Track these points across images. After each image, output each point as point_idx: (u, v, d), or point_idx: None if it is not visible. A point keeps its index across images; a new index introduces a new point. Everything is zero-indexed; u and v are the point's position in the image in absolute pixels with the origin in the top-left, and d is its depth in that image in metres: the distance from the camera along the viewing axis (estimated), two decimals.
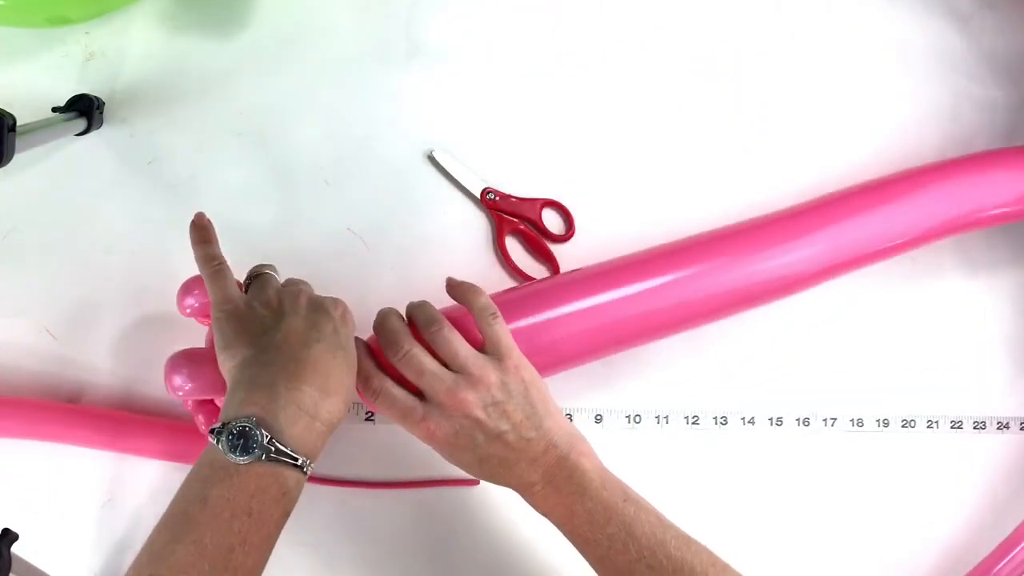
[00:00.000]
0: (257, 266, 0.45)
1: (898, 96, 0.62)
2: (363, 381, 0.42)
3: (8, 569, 0.39)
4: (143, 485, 0.51)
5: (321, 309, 0.41)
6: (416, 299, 0.55)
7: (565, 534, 0.42)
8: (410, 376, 0.42)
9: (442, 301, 0.58)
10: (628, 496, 0.41)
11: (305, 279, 0.45)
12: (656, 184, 0.59)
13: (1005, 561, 0.54)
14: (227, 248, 0.54)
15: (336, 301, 0.43)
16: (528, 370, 0.43)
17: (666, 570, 0.39)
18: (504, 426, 0.41)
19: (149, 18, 0.56)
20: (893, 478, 0.57)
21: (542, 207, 0.57)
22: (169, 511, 0.35)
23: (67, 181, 0.53)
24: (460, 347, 0.42)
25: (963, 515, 0.58)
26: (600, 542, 0.40)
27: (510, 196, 0.56)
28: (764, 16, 0.62)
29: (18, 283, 0.52)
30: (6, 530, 0.40)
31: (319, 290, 0.54)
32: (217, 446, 0.35)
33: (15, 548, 0.40)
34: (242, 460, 0.35)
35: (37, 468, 0.50)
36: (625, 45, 0.60)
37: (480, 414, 0.40)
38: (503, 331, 0.43)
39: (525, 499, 0.43)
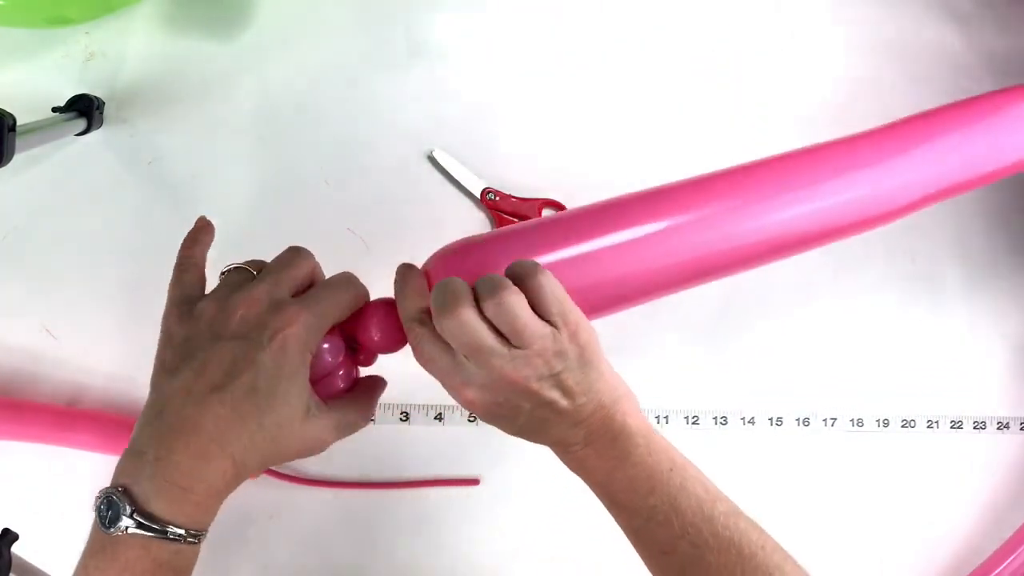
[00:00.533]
0: (230, 265, 0.39)
1: (898, 96, 0.62)
2: (406, 321, 0.38)
3: (8, 569, 0.39)
4: None
5: (253, 335, 0.34)
6: None
7: (599, 496, 0.38)
8: (463, 349, 0.35)
9: None
10: (675, 463, 0.38)
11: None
12: (656, 183, 0.59)
13: (1008, 562, 0.54)
14: (227, 249, 0.54)
15: (284, 317, 0.35)
16: (585, 330, 0.37)
17: (711, 549, 0.35)
18: (555, 394, 0.36)
19: (149, 18, 0.56)
20: (893, 478, 0.57)
21: (542, 207, 0.57)
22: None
23: (67, 181, 0.53)
24: (522, 317, 0.34)
25: (963, 515, 0.58)
26: (639, 511, 0.37)
27: (510, 196, 0.56)
28: (764, 16, 0.62)
29: (18, 283, 0.52)
30: (6, 530, 0.40)
31: None
32: (97, 511, 0.33)
33: (15, 548, 0.40)
34: (110, 531, 0.32)
35: (37, 468, 0.50)
36: (625, 45, 0.60)
37: (533, 386, 0.35)
38: (557, 291, 0.35)
39: (558, 456, 0.39)
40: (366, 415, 0.39)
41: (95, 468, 0.51)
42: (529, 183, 0.57)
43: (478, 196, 0.56)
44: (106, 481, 0.50)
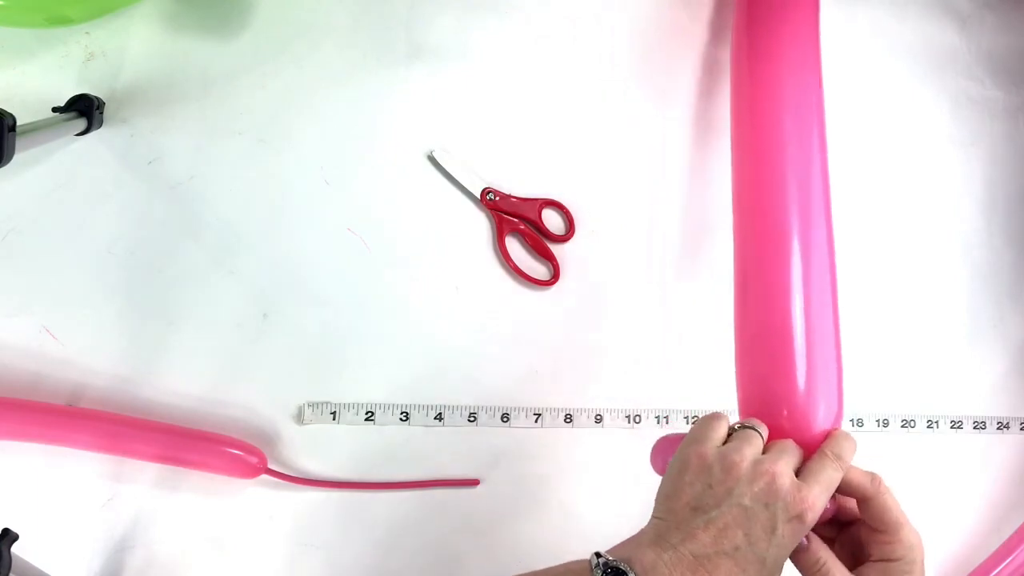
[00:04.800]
0: (750, 420, 0.43)
1: (898, 96, 0.62)
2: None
3: (8, 569, 0.39)
4: (143, 485, 0.51)
5: (768, 511, 0.37)
6: (414, 299, 0.55)
7: None
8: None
9: (434, 317, 0.58)
10: None
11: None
12: (656, 184, 0.59)
13: (1008, 562, 0.54)
14: (227, 249, 0.54)
15: (798, 502, 0.37)
16: None
17: None
18: None
19: (149, 18, 0.56)
20: (893, 478, 0.57)
21: (542, 207, 0.57)
22: None
23: (67, 181, 0.53)
24: (893, 502, 0.41)
25: (963, 515, 0.58)
26: None
27: (510, 196, 0.56)
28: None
29: (18, 283, 0.52)
30: (6, 530, 0.40)
31: (319, 293, 0.54)
32: (595, 566, 0.36)
33: (15, 548, 0.40)
34: None
35: (37, 468, 0.50)
36: (625, 45, 0.60)
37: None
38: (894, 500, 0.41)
39: None
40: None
41: (95, 468, 0.51)
42: (529, 183, 0.57)
43: (478, 196, 0.56)
44: (106, 481, 0.51)
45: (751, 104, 0.51)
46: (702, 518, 0.37)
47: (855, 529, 0.41)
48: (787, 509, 0.37)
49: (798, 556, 0.39)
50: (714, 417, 0.42)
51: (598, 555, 0.37)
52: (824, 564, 0.39)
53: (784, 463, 0.38)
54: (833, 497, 0.40)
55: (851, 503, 0.41)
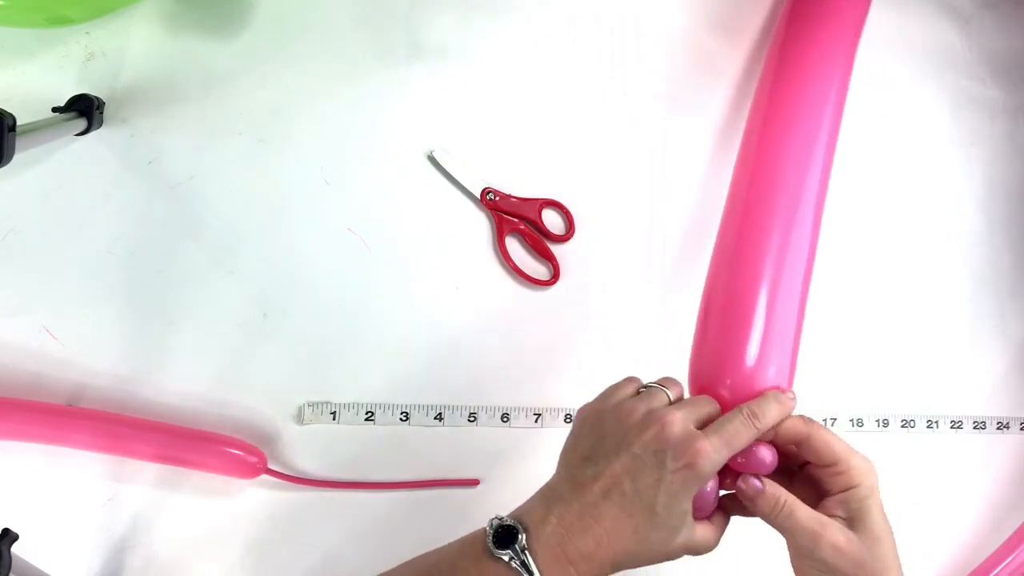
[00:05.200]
0: (664, 379, 0.42)
1: (898, 96, 0.62)
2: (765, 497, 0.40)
3: (8, 569, 0.39)
4: (143, 485, 0.51)
5: (656, 458, 0.37)
6: (414, 299, 0.55)
7: None
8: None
9: (434, 317, 0.58)
10: None
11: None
12: (656, 183, 0.59)
13: (1007, 562, 0.54)
14: (227, 249, 0.54)
15: (689, 450, 0.37)
16: None
17: None
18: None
19: (149, 18, 0.56)
20: (893, 478, 0.57)
21: (542, 207, 0.57)
22: (423, 556, 0.39)
23: (67, 181, 0.53)
24: (836, 441, 0.40)
25: (963, 515, 0.58)
26: None
27: (510, 196, 0.56)
28: (764, 18, 0.62)
29: (18, 283, 0.52)
30: (6, 530, 0.40)
31: (319, 293, 0.54)
32: (489, 529, 0.37)
33: (15, 548, 0.40)
34: (497, 551, 0.36)
35: (37, 468, 0.50)
36: (625, 45, 0.60)
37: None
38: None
39: None
40: (714, 543, 0.40)
41: (95, 468, 0.51)
42: (529, 183, 0.57)
43: (478, 196, 0.56)
44: (107, 481, 0.51)
45: (770, 102, 0.52)
46: (592, 468, 0.37)
47: (809, 470, 0.41)
48: (676, 457, 0.36)
49: (756, 502, 0.39)
50: (625, 379, 0.42)
51: (497, 518, 0.37)
52: (784, 504, 0.39)
53: (682, 414, 0.38)
54: (773, 447, 0.40)
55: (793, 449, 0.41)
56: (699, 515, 0.39)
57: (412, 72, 0.58)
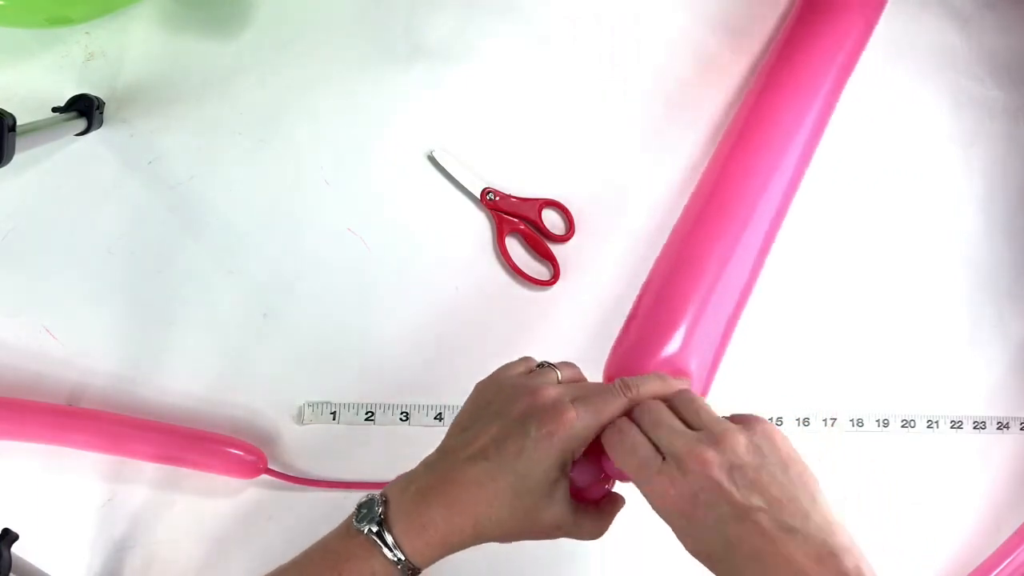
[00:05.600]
0: (561, 362, 0.42)
1: (898, 96, 0.62)
2: (612, 426, 0.38)
3: (8, 569, 0.39)
4: (143, 485, 0.51)
5: (522, 425, 0.36)
6: (414, 299, 0.55)
7: None
8: (646, 426, 0.36)
9: (434, 317, 0.58)
10: None
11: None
12: (656, 183, 0.59)
13: (1008, 562, 0.54)
14: (228, 249, 0.54)
15: (553, 417, 0.36)
16: (787, 442, 0.36)
17: None
18: (755, 500, 0.32)
19: (149, 18, 0.56)
20: (893, 478, 0.57)
21: (542, 207, 0.57)
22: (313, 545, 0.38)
23: (67, 181, 0.53)
24: (704, 408, 0.37)
25: (963, 515, 0.58)
26: None
27: (510, 196, 0.56)
28: (766, 19, 0.62)
29: (18, 283, 0.52)
30: (6, 530, 0.40)
31: (319, 292, 0.54)
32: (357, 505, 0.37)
33: (15, 548, 0.40)
34: (355, 525, 0.36)
35: (37, 468, 0.50)
36: (625, 45, 0.60)
37: (721, 476, 0.33)
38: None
39: None
40: (600, 530, 0.39)
41: (95, 468, 0.51)
42: (529, 183, 0.57)
43: (478, 196, 0.56)
44: (107, 481, 0.51)
45: (750, 110, 0.53)
46: (464, 436, 0.38)
47: None
48: (540, 424, 0.36)
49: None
50: (520, 359, 0.42)
51: (367, 495, 0.37)
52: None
53: (559, 388, 0.38)
54: None
55: None
56: (582, 496, 0.38)
57: (412, 72, 0.58)
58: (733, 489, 0.33)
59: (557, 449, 0.36)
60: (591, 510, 0.39)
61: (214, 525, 0.51)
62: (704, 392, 0.45)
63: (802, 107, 0.52)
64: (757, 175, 0.50)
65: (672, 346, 0.44)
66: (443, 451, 0.38)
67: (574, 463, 0.37)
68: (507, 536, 0.37)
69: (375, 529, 0.35)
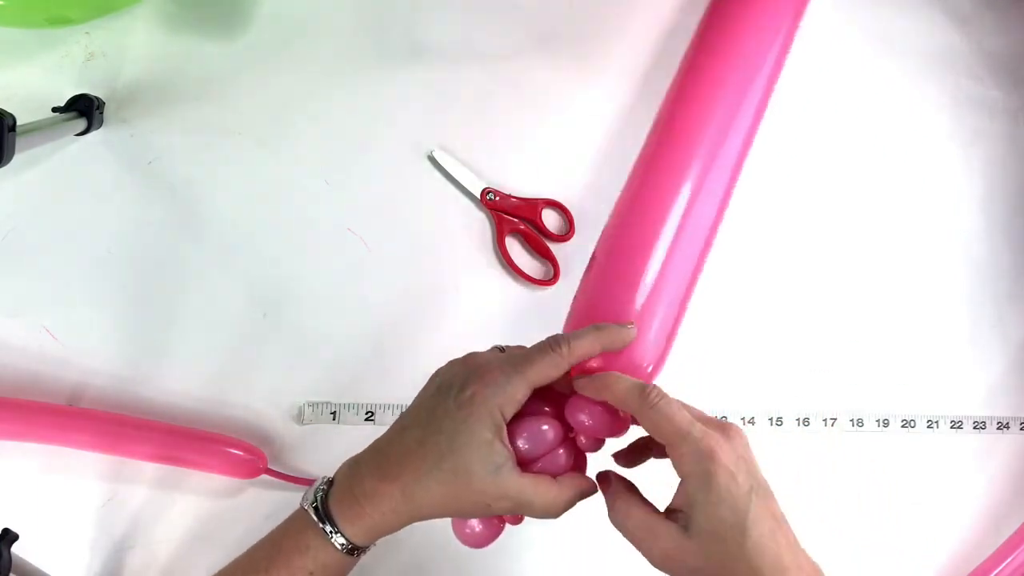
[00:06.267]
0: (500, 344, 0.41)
1: (898, 96, 0.62)
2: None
3: (8, 569, 0.39)
4: (143, 485, 0.51)
5: (443, 390, 0.36)
6: (414, 299, 0.55)
7: None
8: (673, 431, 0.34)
9: (434, 317, 0.58)
10: None
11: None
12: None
13: (1007, 562, 0.54)
14: (228, 249, 0.54)
15: (478, 379, 0.36)
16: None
17: None
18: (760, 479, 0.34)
19: (149, 18, 0.56)
20: (893, 478, 0.57)
21: (542, 207, 0.57)
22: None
23: (67, 181, 0.53)
24: (682, 412, 0.35)
25: (963, 515, 0.58)
26: None
27: (510, 196, 0.56)
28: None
29: (18, 283, 0.52)
30: (6, 530, 0.40)
31: (319, 293, 0.54)
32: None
33: (15, 548, 0.40)
34: (302, 504, 0.37)
35: (37, 468, 0.50)
36: (625, 45, 0.60)
37: (748, 453, 0.35)
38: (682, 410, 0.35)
39: None
40: (554, 507, 0.36)
41: (95, 468, 0.51)
42: (529, 183, 0.57)
43: (478, 196, 0.56)
44: (107, 481, 0.51)
45: (692, 69, 0.52)
46: (408, 412, 0.38)
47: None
48: (464, 386, 0.35)
49: (616, 519, 0.36)
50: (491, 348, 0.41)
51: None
52: (616, 505, 0.36)
53: (490, 354, 0.38)
54: (612, 411, 0.37)
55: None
56: (537, 469, 0.36)
57: (412, 72, 0.58)
58: (755, 468, 0.34)
59: (481, 408, 0.34)
60: (546, 484, 0.35)
61: (214, 525, 0.51)
62: (656, 370, 0.43)
63: (747, 72, 0.51)
64: (707, 132, 0.48)
65: (625, 306, 0.42)
66: (389, 430, 0.38)
67: (516, 427, 0.36)
68: (440, 506, 0.35)
69: (314, 511, 0.36)
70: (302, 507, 0.37)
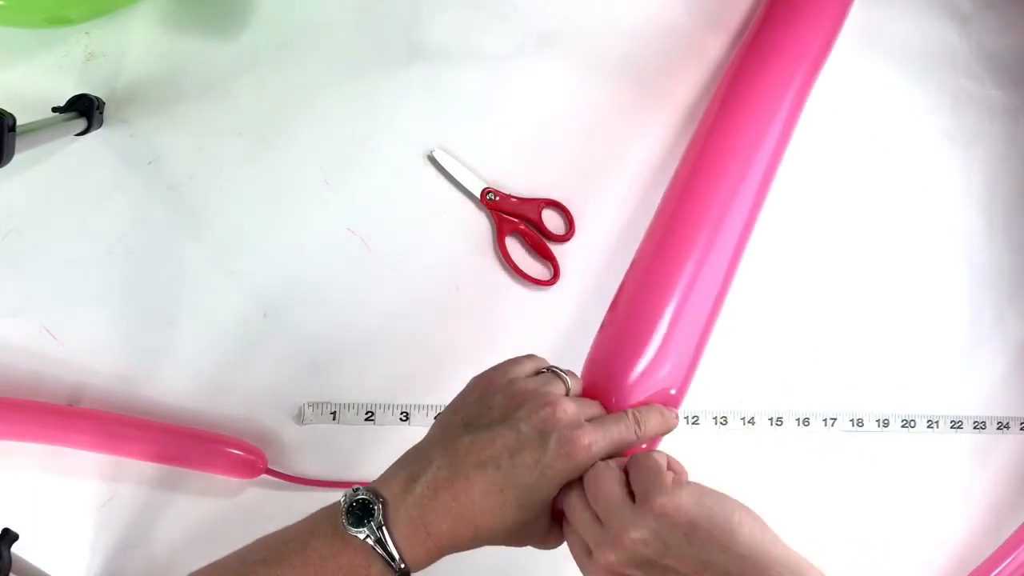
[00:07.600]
0: (567, 370, 0.41)
1: (898, 96, 0.62)
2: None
3: (8, 569, 0.39)
4: (143, 485, 0.51)
5: (542, 440, 0.35)
6: (414, 299, 0.55)
7: None
8: (590, 495, 0.35)
9: (434, 317, 0.58)
10: None
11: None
12: (655, 183, 0.59)
13: (1007, 562, 0.54)
14: (228, 249, 0.54)
15: (574, 436, 0.35)
16: (695, 505, 0.33)
17: None
18: None
19: (149, 18, 0.56)
20: (893, 478, 0.57)
21: (542, 207, 0.57)
22: (273, 534, 0.37)
23: (67, 181, 0.53)
24: (604, 490, 0.35)
25: (963, 515, 0.58)
26: None
27: (510, 196, 0.56)
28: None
29: (18, 283, 0.52)
30: (6, 530, 0.40)
31: (319, 292, 0.54)
32: (344, 504, 0.35)
33: (15, 548, 0.40)
34: (351, 530, 0.34)
35: (37, 468, 0.50)
36: (625, 44, 0.60)
37: (634, 573, 0.33)
38: (650, 455, 0.36)
39: None
40: (561, 539, 0.38)
41: (95, 468, 0.51)
42: (529, 183, 0.57)
43: (478, 196, 0.56)
44: (106, 481, 0.51)
45: (722, 104, 0.52)
46: (470, 436, 0.36)
47: None
48: (560, 442, 0.35)
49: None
50: (526, 355, 0.41)
51: (353, 489, 0.35)
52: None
53: (575, 405, 0.37)
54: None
55: None
56: (557, 508, 0.38)
57: (412, 72, 0.58)
58: None
59: (571, 470, 0.35)
60: (556, 519, 0.38)
61: (214, 525, 0.51)
62: (681, 394, 0.44)
63: (772, 107, 0.52)
64: (730, 171, 0.49)
65: (647, 357, 0.43)
66: (446, 448, 0.36)
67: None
68: (495, 543, 0.37)
69: (377, 536, 0.34)
70: (354, 535, 0.34)
